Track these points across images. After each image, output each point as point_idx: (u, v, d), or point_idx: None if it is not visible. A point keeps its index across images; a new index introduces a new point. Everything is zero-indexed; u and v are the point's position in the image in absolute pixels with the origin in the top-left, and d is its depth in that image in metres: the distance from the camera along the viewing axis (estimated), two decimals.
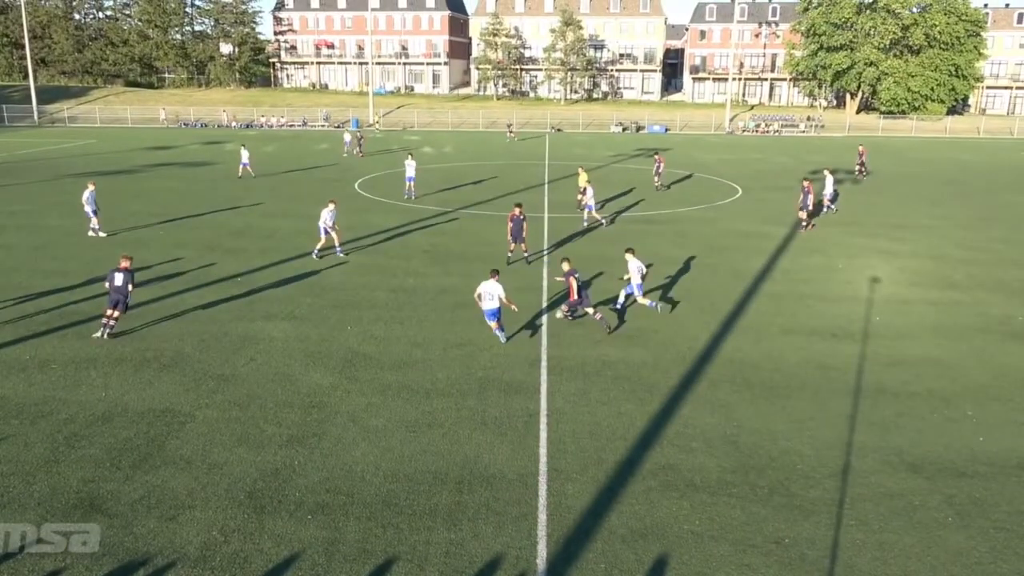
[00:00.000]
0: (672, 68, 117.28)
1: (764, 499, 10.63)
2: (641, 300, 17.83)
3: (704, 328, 17.46)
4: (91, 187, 26.78)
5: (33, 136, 70.58)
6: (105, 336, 16.27)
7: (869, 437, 12.35)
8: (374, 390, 14.01)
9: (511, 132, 72.55)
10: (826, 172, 33.88)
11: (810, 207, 28.30)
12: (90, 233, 26.59)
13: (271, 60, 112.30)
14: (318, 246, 23.86)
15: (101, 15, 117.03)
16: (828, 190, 32.21)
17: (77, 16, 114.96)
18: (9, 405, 13.22)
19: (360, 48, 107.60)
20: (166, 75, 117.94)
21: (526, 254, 23.54)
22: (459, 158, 53.93)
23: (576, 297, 16.71)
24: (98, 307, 18.61)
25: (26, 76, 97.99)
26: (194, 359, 15.40)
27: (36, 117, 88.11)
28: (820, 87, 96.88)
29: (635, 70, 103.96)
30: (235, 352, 15.83)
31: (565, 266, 17.03)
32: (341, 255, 23.82)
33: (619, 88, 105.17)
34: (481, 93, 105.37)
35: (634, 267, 17.80)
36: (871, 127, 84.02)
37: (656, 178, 38.62)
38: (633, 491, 10.78)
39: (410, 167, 34.59)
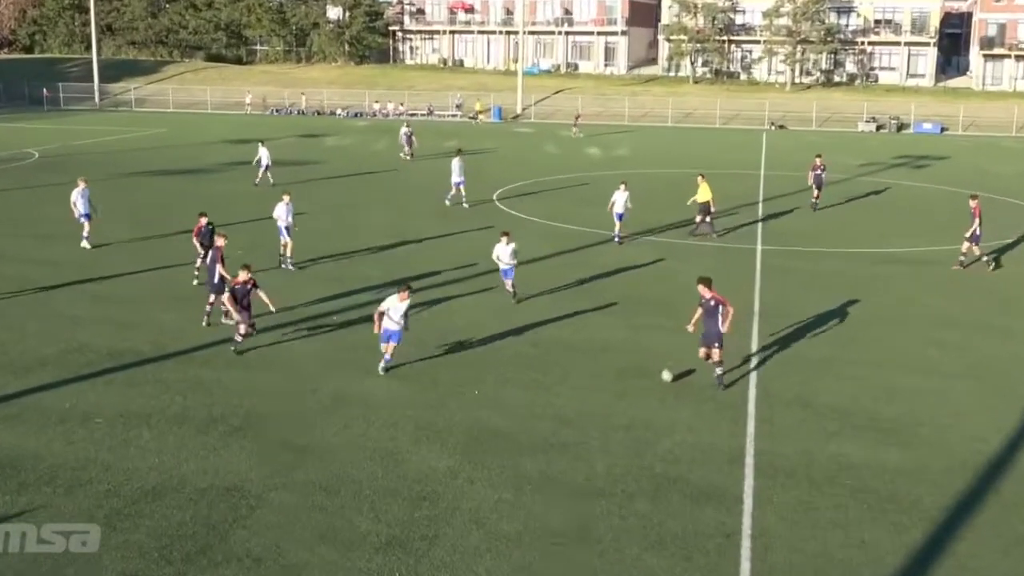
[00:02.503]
0: (952, 40, 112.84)
1: None
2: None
3: (995, 423, 16.47)
4: (82, 184, 29.20)
5: (92, 122, 77.48)
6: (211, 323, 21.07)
7: None
8: (506, 481, 14.05)
9: (576, 126, 72.97)
10: None
11: None
12: (83, 244, 28.87)
13: (391, 28, 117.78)
14: (287, 253, 26.97)
15: None
16: None
17: None
18: (41, 467, 14.26)
19: (508, 13, 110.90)
20: (257, 47, 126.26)
21: None
22: (636, 163, 54.15)
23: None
24: (158, 347, 19.89)
25: (88, 47, 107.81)
26: (271, 422, 16.07)
27: (97, 99, 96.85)
28: None
29: (897, 43, 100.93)
30: (324, 416, 16.37)
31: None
32: (292, 268, 26.71)
33: (872, 69, 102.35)
34: (672, 74, 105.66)
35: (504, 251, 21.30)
36: None
37: None
38: None
39: (457, 169, 37.32)
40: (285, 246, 27.00)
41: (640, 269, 27.42)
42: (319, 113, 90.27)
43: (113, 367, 18.60)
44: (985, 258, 28.33)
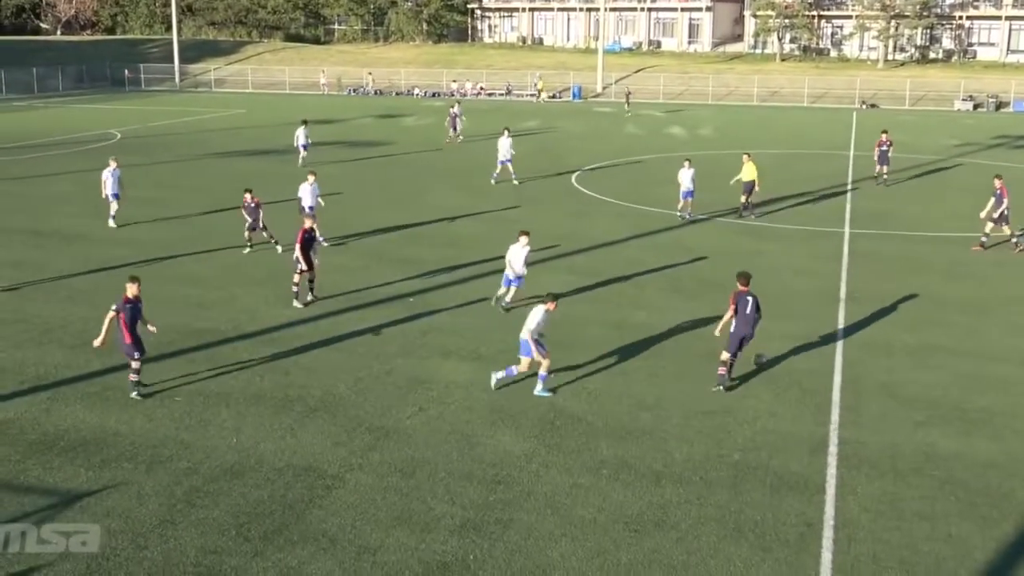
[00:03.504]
0: None
1: None
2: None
3: None
4: (113, 164, 29.96)
5: (172, 103, 79.27)
6: (298, 303, 21.74)
7: None
8: (583, 466, 14.16)
9: (628, 104, 73.11)
10: None
11: None
12: (110, 223, 29.72)
13: (469, 6, 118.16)
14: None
15: None
16: None
17: None
18: (123, 444, 14.80)
19: None
20: (335, 27, 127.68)
21: None
22: (721, 144, 53.59)
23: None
24: (237, 326, 20.42)
25: (169, 28, 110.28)
26: (348, 403, 16.41)
27: (178, 79, 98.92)
28: None
29: (998, 17, 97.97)
30: (401, 398, 16.67)
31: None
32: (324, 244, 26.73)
33: (970, 44, 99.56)
34: (759, 51, 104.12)
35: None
36: None
37: None
38: None
39: (504, 146, 38.79)
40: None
41: (722, 252, 27.17)
42: (398, 93, 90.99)
43: (193, 346, 19.14)
44: (1015, 239, 27.75)
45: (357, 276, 24.37)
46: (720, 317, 17.68)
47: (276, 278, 23.99)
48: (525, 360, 16.76)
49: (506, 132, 40.54)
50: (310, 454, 14.47)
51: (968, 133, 59.54)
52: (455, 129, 53.28)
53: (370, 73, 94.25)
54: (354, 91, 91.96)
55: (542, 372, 16.74)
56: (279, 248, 26.59)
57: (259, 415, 15.87)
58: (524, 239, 21.13)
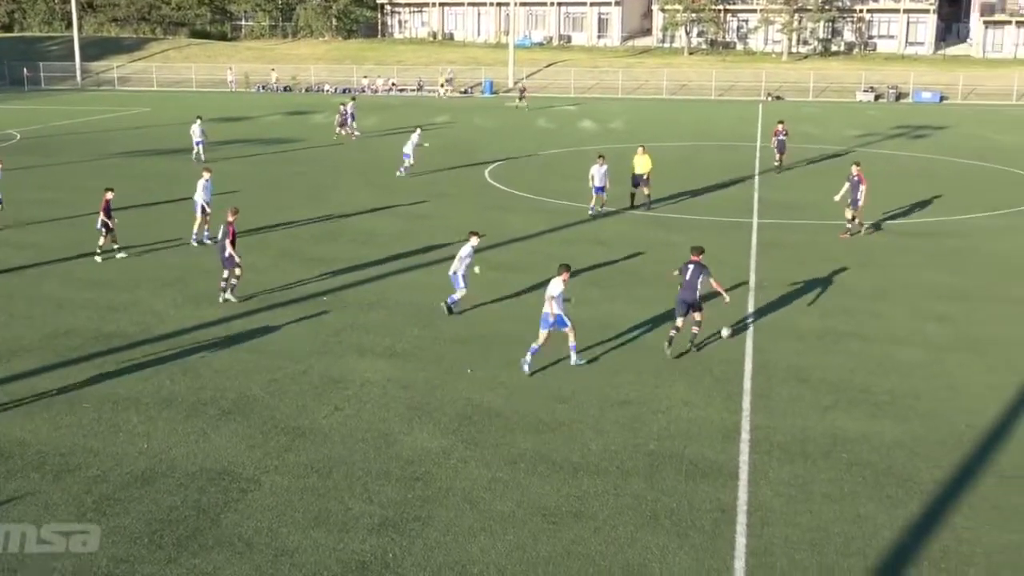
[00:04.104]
0: (953, 7, 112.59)
1: None
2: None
3: (992, 396, 16.62)
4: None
5: (74, 102, 77.19)
6: (227, 299, 21.63)
7: None
8: (501, 460, 14.18)
9: (522, 98, 73.91)
10: None
11: None
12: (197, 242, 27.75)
13: (379, 2, 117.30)
14: (195, 229, 27.29)
15: None
16: None
17: None
18: (29, 452, 14.35)
19: None
20: (242, 23, 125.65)
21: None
22: (632, 137, 54.09)
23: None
24: (145, 329, 20.01)
25: (69, 25, 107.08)
26: (262, 405, 16.17)
27: (79, 78, 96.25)
28: None
29: (896, 10, 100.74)
30: (316, 398, 16.49)
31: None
32: (195, 243, 27.20)
33: (870, 38, 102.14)
34: (667, 45, 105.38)
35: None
36: None
37: None
38: None
39: (411, 141, 40.00)
40: (195, 221, 27.37)
41: (634, 244, 27.46)
42: (307, 90, 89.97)
43: (100, 351, 18.67)
44: (850, 224, 28.72)
45: (268, 275, 24.04)
46: (634, 307, 17.87)
47: (184, 280, 23.58)
48: (543, 333, 17.62)
49: (418, 129, 41.32)
50: (224, 458, 14.24)
51: (870, 123, 61.12)
52: (345, 125, 52.45)
53: (273, 69, 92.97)
54: (263, 88, 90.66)
55: (572, 343, 17.76)
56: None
57: (170, 419, 15.56)
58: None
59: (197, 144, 43.49)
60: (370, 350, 18.81)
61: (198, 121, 43.98)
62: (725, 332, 19.13)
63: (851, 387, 16.96)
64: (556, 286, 17.43)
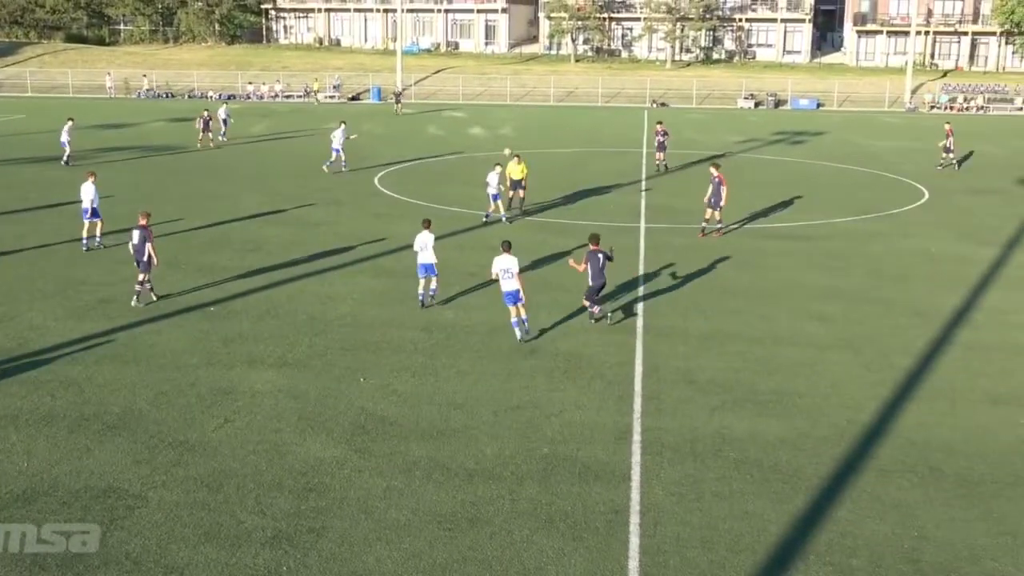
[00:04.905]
0: (828, 17, 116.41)
1: None
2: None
3: (871, 392, 17.19)
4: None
5: None
6: (140, 303, 21.56)
7: None
8: (395, 469, 14.10)
9: (399, 104, 75.11)
10: None
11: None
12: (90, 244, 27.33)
13: (263, 6, 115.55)
14: (83, 233, 27.02)
15: None
16: None
17: None
18: None
19: None
20: (121, 27, 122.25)
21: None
22: (520, 143, 54.36)
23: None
24: (23, 343, 19.28)
25: None
26: (149, 419, 15.74)
27: None
28: None
29: (774, 20, 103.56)
30: (205, 411, 16.13)
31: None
32: (84, 248, 26.94)
33: (750, 46, 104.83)
34: (553, 52, 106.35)
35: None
36: None
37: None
38: None
39: (338, 136, 41.24)
40: (83, 227, 27.03)
41: (525, 249, 27.52)
42: (190, 96, 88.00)
43: None
44: (706, 223, 29.80)
45: (154, 285, 23.40)
46: (527, 312, 17.94)
47: (65, 291, 22.82)
48: (512, 308, 19.44)
49: (342, 124, 42.81)
50: (109, 474, 13.81)
51: (750, 129, 62.70)
52: (205, 131, 50.70)
53: (144, 75, 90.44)
54: (146, 93, 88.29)
55: (517, 317, 19.51)
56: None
57: (52, 436, 15.03)
58: (430, 227, 22.02)
59: (64, 144, 43.22)
60: (260, 360, 18.50)
61: (69, 123, 43.94)
62: (615, 316, 20.84)
63: (738, 387, 17.36)
64: (507, 261, 19.20)
